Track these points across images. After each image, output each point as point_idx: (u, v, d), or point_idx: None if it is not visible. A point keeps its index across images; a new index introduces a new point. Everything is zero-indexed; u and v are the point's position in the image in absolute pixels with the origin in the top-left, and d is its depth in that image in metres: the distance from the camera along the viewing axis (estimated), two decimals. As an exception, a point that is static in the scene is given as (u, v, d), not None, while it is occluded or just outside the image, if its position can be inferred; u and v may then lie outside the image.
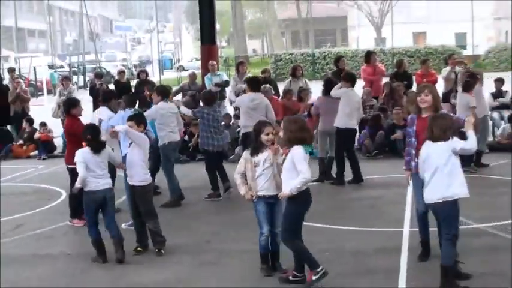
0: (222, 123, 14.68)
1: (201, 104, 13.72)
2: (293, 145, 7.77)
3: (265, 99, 13.72)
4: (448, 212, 7.81)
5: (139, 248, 9.77)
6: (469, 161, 13.99)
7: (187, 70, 53.63)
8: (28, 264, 9.53)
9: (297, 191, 7.66)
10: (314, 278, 7.72)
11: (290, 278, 8.00)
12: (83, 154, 9.28)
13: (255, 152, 8.28)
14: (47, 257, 9.79)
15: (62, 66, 50.87)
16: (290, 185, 7.70)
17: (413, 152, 8.49)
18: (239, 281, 8.39)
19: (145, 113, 12.34)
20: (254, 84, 13.82)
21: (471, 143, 7.73)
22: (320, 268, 7.73)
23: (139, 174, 9.64)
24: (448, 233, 7.81)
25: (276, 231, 8.29)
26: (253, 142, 8.50)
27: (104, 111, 12.08)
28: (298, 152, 7.73)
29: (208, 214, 12.19)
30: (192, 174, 14.45)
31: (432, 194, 7.78)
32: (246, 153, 8.45)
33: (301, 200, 7.83)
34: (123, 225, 10.83)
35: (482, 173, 14.16)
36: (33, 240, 10.79)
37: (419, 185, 8.21)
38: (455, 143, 7.69)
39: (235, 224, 11.14)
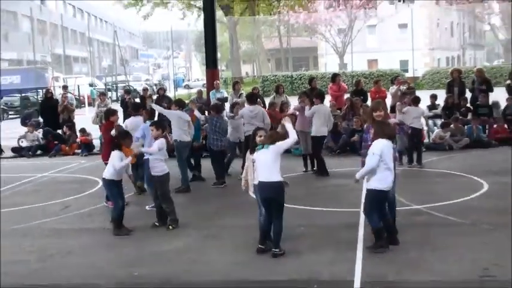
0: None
1: (212, 113, 13.69)
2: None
3: (262, 109, 13.96)
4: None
5: (156, 224, 9.79)
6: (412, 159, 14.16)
7: (192, 88, 54.41)
8: (73, 235, 9.53)
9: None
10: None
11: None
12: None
13: (253, 151, 8.28)
14: (88, 230, 9.79)
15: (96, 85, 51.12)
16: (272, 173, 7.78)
17: None
18: (234, 250, 8.38)
19: (167, 111, 12.48)
20: (252, 99, 14.03)
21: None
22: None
23: (157, 167, 9.66)
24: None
25: None
26: (251, 143, 8.52)
27: (133, 121, 12.10)
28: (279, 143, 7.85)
29: (211, 198, 12.15)
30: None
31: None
32: (247, 154, 8.46)
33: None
34: (146, 207, 10.85)
35: (422, 167, 14.19)
36: (77, 218, 10.79)
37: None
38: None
39: (232, 206, 11.12)
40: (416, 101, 14.59)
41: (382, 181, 7.85)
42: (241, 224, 9.64)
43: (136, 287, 7.19)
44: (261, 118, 13.39)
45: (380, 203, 8.00)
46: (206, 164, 13.82)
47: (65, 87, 24.27)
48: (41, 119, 21.78)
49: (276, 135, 8.18)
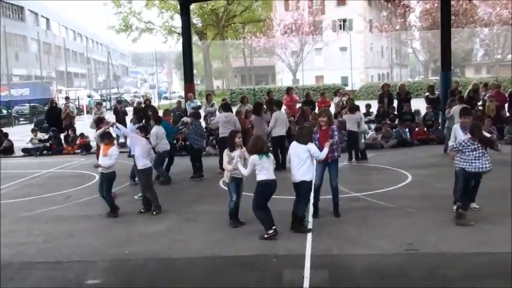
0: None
1: (191, 118, 13.70)
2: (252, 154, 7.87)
3: (234, 116, 13.95)
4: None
5: (142, 210, 9.73)
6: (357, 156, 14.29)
7: (170, 99, 54.37)
8: (74, 221, 9.36)
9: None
10: (266, 236, 7.74)
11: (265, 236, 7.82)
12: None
13: (231, 150, 8.27)
14: (86, 217, 9.61)
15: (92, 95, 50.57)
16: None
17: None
18: (210, 231, 8.33)
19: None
20: (226, 108, 14.10)
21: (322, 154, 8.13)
22: (271, 230, 7.76)
23: (140, 162, 9.68)
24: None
25: (240, 199, 8.40)
26: (229, 143, 8.45)
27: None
28: (251, 158, 7.86)
29: (189, 188, 12.06)
30: (179, 165, 14.28)
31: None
32: (226, 151, 8.40)
33: (262, 185, 7.82)
34: (135, 197, 10.71)
35: (359, 162, 14.31)
36: (77, 206, 10.59)
37: (320, 167, 8.27)
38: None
39: (208, 195, 11.09)
40: (352, 109, 14.64)
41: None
42: (215, 209, 9.58)
43: (126, 263, 7.09)
44: (233, 123, 13.30)
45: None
46: (182, 161, 13.72)
47: (67, 98, 24.01)
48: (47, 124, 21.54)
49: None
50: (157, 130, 12.09)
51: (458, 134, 8.66)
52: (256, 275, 6.42)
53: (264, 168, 7.76)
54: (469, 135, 8.07)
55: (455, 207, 8.43)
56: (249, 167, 7.85)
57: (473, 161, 8.00)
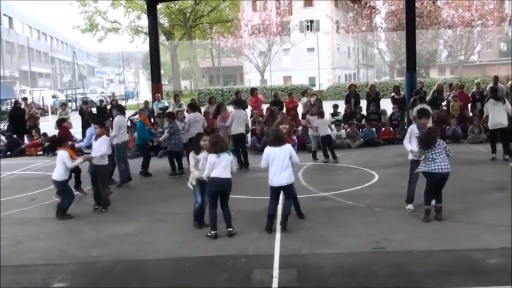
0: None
1: (167, 119, 13.68)
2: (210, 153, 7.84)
3: (201, 116, 14.17)
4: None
5: (96, 206, 9.76)
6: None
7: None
8: (39, 224, 9.20)
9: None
10: (209, 234, 7.80)
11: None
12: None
13: (197, 152, 8.23)
14: (52, 219, 9.41)
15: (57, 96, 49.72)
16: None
17: None
18: (179, 232, 8.28)
19: (115, 120, 12.10)
20: (194, 107, 14.26)
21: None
22: (212, 233, 7.80)
23: (99, 159, 9.68)
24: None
25: (205, 200, 8.23)
26: (195, 146, 8.42)
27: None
28: (208, 157, 7.84)
29: (158, 189, 11.93)
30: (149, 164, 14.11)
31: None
32: (192, 153, 8.37)
33: (209, 182, 7.83)
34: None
35: (328, 162, 14.43)
36: (42, 208, 10.39)
37: None
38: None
39: (177, 196, 10.99)
40: (322, 114, 14.84)
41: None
42: (183, 210, 9.50)
43: (94, 265, 6.99)
44: (201, 122, 13.59)
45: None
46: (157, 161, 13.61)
47: (24, 99, 23.58)
48: (1, 126, 21.08)
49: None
50: (120, 119, 12.05)
51: (414, 134, 8.69)
52: (225, 275, 6.41)
53: (218, 167, 7.74)
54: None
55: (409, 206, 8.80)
56: (207, 167, 7.81)
57: (430, 163, 8.10)
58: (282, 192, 8.08)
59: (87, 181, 10.65)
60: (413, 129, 8.88)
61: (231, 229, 7.92)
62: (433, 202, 8.26)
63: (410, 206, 8.89)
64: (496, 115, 13.24)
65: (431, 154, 8.04)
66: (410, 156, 8.67)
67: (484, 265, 6.38)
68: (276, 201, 8.14)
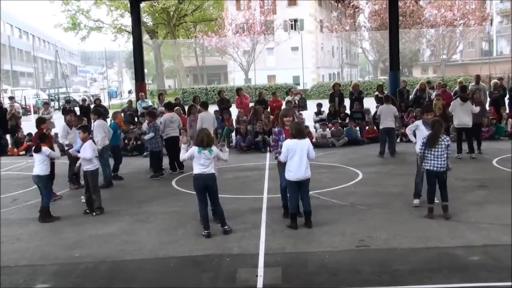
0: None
1: (148, 118, 13.48)
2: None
3: (177, 116, 13.88)
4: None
5: (87, 211, 9.60)
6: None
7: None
8: (22, 224, 9.09)
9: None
10: (203, 234, 7.80)
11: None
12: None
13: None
14: (34, 219, 9.29)
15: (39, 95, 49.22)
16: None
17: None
18: (163, 232, 8.25)
19: (97, 124, 11.97)
20: (170, 107, 14.04)
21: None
22: (205, 232, 7.79)
23: (87, 164, 9.53)
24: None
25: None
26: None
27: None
28: (192, 147, 7.89)
29: (141, 189, 11.85)
30: (131, 164, 14.05)
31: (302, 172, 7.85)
32: (184, 145, 8.28)
33: (193, 179, 7.88)
34: (82, 199, 10.41)
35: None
36: (25, 209, 10.28)
37: (283, 168, 8.13)
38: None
39: (160, 195, 10.94)
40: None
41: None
42: (167, 210, 9.51)
43: (77, 266, 6.92)
44: (177, 123, 13.51)
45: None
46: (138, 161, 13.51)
47: (11, 98, 23.14)
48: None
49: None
50: (101, 123, 11.92)
51: (421, 130, 8.87)
52: (210, 274, 6.40)
53: (198, 163, 7.76)
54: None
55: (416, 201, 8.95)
56: (187, 154, 7.87)
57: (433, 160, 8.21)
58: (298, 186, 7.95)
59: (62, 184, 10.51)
60: (418, 125, 9.09)
61: (226, 227, 7.93)
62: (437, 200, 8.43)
63: (416, 201, 9.00)
64: (461, 115, 13.62)
65: (432, 151, 8.17)
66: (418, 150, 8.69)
67: (466, 262, 6.45)
68: (297, 196, 8.03)
